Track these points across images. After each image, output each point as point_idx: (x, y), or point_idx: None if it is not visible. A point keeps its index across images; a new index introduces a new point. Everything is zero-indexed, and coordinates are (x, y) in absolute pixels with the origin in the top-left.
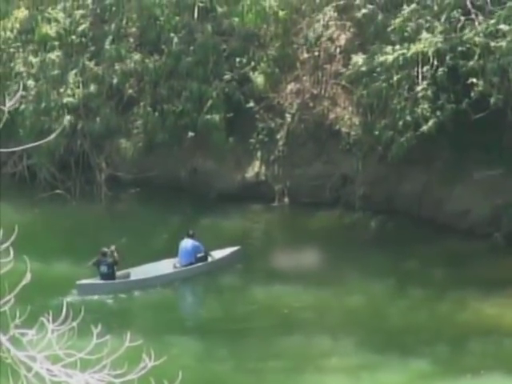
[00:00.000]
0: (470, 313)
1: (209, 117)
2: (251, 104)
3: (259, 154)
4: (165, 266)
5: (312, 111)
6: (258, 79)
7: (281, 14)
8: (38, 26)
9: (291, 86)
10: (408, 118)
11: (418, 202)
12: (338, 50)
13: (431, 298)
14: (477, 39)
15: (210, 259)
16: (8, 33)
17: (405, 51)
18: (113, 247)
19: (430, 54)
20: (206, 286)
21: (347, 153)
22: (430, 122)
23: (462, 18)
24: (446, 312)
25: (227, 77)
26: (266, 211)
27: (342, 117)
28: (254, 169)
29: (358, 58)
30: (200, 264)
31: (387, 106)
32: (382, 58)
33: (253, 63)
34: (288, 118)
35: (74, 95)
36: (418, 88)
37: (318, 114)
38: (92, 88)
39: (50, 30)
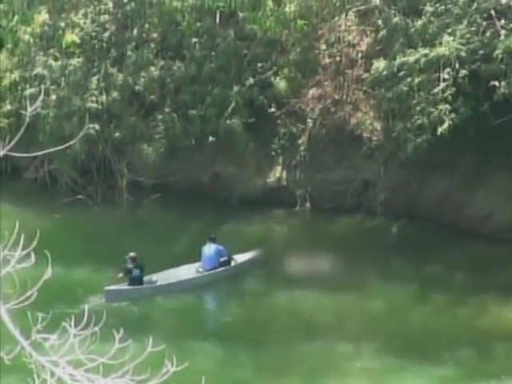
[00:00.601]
0: (492, 318)
1: (230, 122)
2: (273, 109)
3: (281, 159)
4: (187, 271)
5: (333, 116)
6: (280, 84)
7: (299, 23)
8: (61, 32)
9: (313, 91)
10: (425, 119)
11: (440, 207)
12: (359, 55)
13: (453, 302)
14: (500, 44)
15: (233, 263)
16: (27, 36)
17: (427, 52)
18: (132, 254)
19: (452, 56)
20: (228, 291)
21: (369, 158)
22: (445, 124)
23: (485, 23)
24: (468, 317)
25: (249, 82)
26: (288, 216)
27: (364, 122)
28: (276, 174)
29: (380, 63)
30: (223, 268)
31: (409, 110)
32: (404, 59)
33: (275, 68)
34: (309, 123)
35: (96, 101)
36: (436, 90)
37: (340, 119)
38: (114, 94)
39: (75, 36)
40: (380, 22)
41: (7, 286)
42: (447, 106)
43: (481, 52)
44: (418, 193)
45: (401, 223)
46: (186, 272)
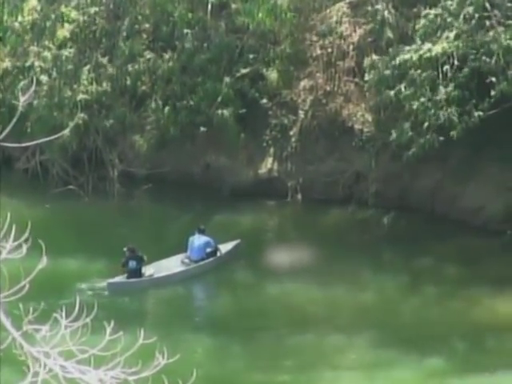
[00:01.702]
0: (484, 310)
1: (221, 113)
2: (264, 100)
3: (272, 150)
4: (179, 262)
5: (325, 108)
6: (272, 76)
7: (288, 15)
8: (53, 25)
9: (304, 83)
10: (432, 121)
11: (432, 199)
12: (350, 46)
13: (444, 294)
14: (497, 38)
15: (218, 254)
16: (18, 25)
17: (428, 48)
18: (130, 245)
19: (453, 54)
20: (218, 283)
21: (360, 149)
22: (458, 128)
23: (479, 15)
24: (460, 309)
25: (240, 73)
26: (279, 207)
27: (355, 113)
28: (267, 165)
29: (375, 59)
30: (212, 259)
31: (403, 106)
32: (406, 56)
33: (266, 60)
34: (301, 114)
35: (87, 92)
36: (442, 90)
37: (331, 111)
38: (105, 85)
39: (66, 31)
40: (372, 12)
41: None
42: (456, 108)
43: (478, 48)
44: (409, 184)
45: (392, 215)
46: (177, 263)
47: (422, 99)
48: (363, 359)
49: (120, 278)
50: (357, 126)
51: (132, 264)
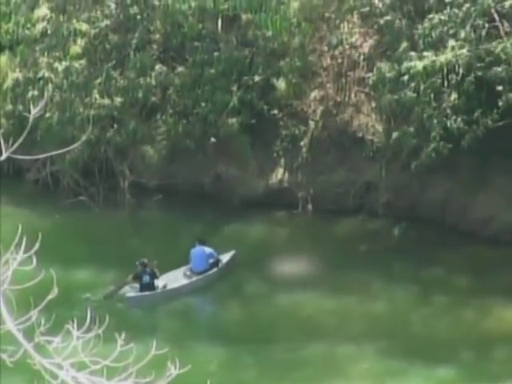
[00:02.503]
0: (494, 320)
1: (231, 124)
2: (275, 111)
3: (283, 160)
4: (181, 275)
5: (335, 118)
6: (282, 86)
7: (303, 25)
8: (64, 38)
9: (315, 93)
10: (439, 130)
11: (442, 209)
12: (361, 57)
13: (455, 304)
14: (505, 48)
15: (220, 265)
16: (28, 36)
17: (434, 58)
18: (143, 260)
19: (459, 63)
20: (229, 294)
21: (371, 160)
22: (467, 137)
23: (487, 26)
24: (470, 319)
25: (250, 83)
26: (290, 218)
27: (366, 124)
28: (278, 175)
29: (383, 65)
30: (215, 269)
31: (411, 113)
32: (411, 63)
33: (276, 70)
34: (311, 124)
35: (98, 106)
36: (450, 98)
37: (342, 121)
38: (116, 97)
39: (78, 47)
40: (382, 23)
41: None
42: (463, 116)
43: (485, 57)
44: (420, 195)
45: (402, 225)
46: (180, 276)
47: (426, 107)
48: (374, 369)
49: (135, 292)
50: (367, 137)
51: (145, 279)
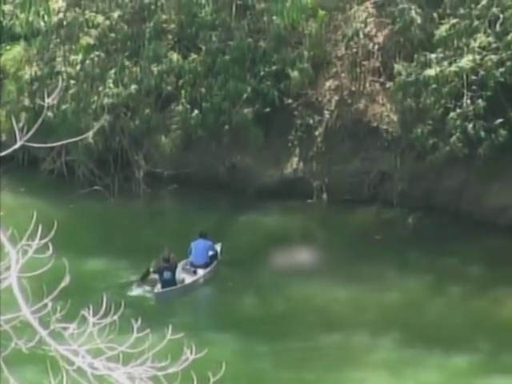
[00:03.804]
0: (509, 310)
1: (244, 113)
2: (289, 101)
3: (297, 150)
4: (185, 268)
5: (350, 108)
6: (297, 76)
7: (320, 13)
8: (78, 31)
9: (329, 83)
10: (458, 133)
11: (457, 199)
12: (376, 46)
13: (469, 294)
14: None
15: (219, 257)
16: (44, 28)
17: (452, 68)
18: (166, 250)
19: (479, 67)
20: (243, 283)
21: (385, 150)
22: (484, 145)
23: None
24: (485, 309)
25: (264, 73)
26: (305, 208)
27: (380, 114)
28: (293, 165)
29: (400, 67)
30: (215, 262)
31: (428, 109)
32: (430, 72)
33: (291, 60)
34: (326, 114)
35: (113, 95)
36: (471, 102)
37: (357, 111)
38: (131, 86)
39: (90, 38)
40: (398, 13)
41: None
42: (483, 123)
43: (506, 60)
44: (435, 184)
45: (417, 215)
46: (183, 269)
47: (442, 108)
48: (389, 359)
49: (166, 288)
50: (382, 126)
51: (167, 275)
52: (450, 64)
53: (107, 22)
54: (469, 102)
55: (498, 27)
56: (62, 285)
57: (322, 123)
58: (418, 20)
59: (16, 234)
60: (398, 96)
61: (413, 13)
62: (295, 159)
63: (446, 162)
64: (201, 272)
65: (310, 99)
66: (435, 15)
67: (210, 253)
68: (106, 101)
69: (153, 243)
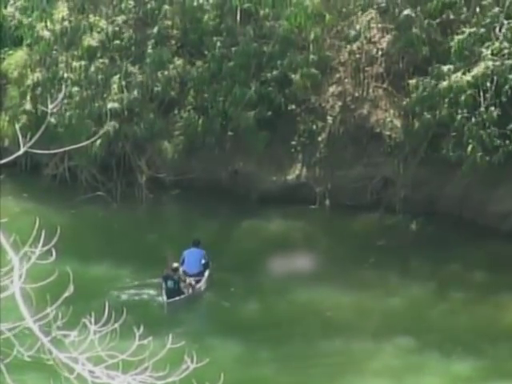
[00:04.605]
0: None
1: (248, 118)
2: (293, 106)
3: (300, 156)
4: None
5: (353, 114)
6: (299, 81)
7: (327, 17)
8: (82, 35)
9: (333, 89)
10: (474, 142)
11: (460, 204)
12: (379, 52)
13: (472, 300)
14: None
15: (210, 265)
16: (48, 34)
17: (466, 77)
18: (175, 265)
19: (493, 73)
20: (246, 289)
21: (388, 155)
22: (500, 152)
23: None
24: (488, 315)
25: (267, 77)
26: (307, 213)
27: (384, 119)
28: (295, 171)
29: (415, 82)
30: (208, 270)
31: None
32: (444, 84)
33: (294, 65)
34: (329, 120)
35: (116, 100)
36: (486, 110)
37: (360, 117)
38: (134, 92)
39: (93, 40)
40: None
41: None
42: (498, 130)
43: None
44: (437, 190)
45: (420, 221)
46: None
47: (461, 117)
48: (391, 364)
49: (176, 298)
50: (385, 132)
51: (170, 283)
52: (464, 74)
53: (111, 28)
54: (483, 110)
55: (509, 34)
56: (66, 294)
57: (325, 129)
58: (422, 33)
59: (18, 240)
60: (416, 110)
61: (417, 24)
62: (298, 165)
63: (448, 164)
64: (193, 282)
65: (313, 105)
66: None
67: (203, 261)
68: (110, 106)
69: (155, 248)
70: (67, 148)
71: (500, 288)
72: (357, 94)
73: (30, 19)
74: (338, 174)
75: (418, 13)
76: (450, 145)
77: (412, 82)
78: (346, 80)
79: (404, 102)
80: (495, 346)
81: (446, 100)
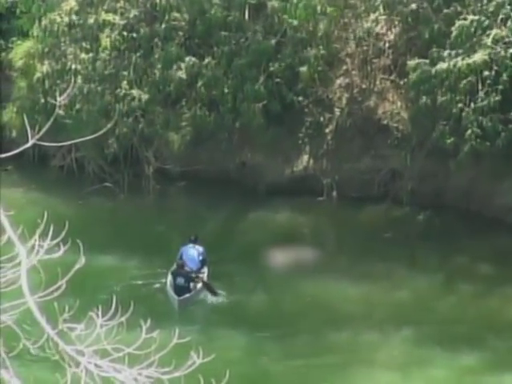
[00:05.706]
0: None
1: (254, 109)
2: (300, 98)
3: (308, 147)
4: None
5: (361, 105)
6: (307, 74)
7: (329, 10)
8: (92, 30)
9: (340, 81)
10: (474, 127)
11: (467, 197)
12: (386, 44)
13: (479, 292)
14: None
15: (207, 261)
16: (56, 26)
17: (466, 62)
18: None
19: (492, 60)
20: (252, 281)
21: (396, 147)
22: (502, 136)
23: None
24: (495, 307)
25: (275, 69)
26: (315, 205)
27: (391, 111)
28: (303, 163)
29: (413, 64)
30: (206, 266)
31: (444, 108)
32: (442, 66)
33: (302, 58)
34: (337, 112)
35: (125, 95)
36: (486, 97)
37: (367, 109)
38: (144, 87)
39: (108, 37)
40: (407, 11)
41: (35, 273)
42: (499, 116)
43: None
44: (444, 182)
45: (427, 213)
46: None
47: (460, 105)
48: (399, 357)
49: (187, 295)
50: (392, 124)
51: (179, 281)
52: (463, 59)
53: (121, 22)
54: (483, 96)
55: (510, 23)
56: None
57: (332, 121)
58: (428, 18)
59: (26, 232)
60: (412, 94)
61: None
62: (305, 157)
63: (455, 157)
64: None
65: (321, 97)
66: (446, 10)
67: (201, 257)
68: (120, 102)
69: (162, 240)
70: (78, 140)
71: (507, 280)
72: (364, 86)
73: (37, 10)
74: (345, 165)
75: (426, 5)
76: (446, 131)
77: (410, 63)
78: (354, 72)
79: (401, 83)
80: (503, 337)
81: (445, 84)
